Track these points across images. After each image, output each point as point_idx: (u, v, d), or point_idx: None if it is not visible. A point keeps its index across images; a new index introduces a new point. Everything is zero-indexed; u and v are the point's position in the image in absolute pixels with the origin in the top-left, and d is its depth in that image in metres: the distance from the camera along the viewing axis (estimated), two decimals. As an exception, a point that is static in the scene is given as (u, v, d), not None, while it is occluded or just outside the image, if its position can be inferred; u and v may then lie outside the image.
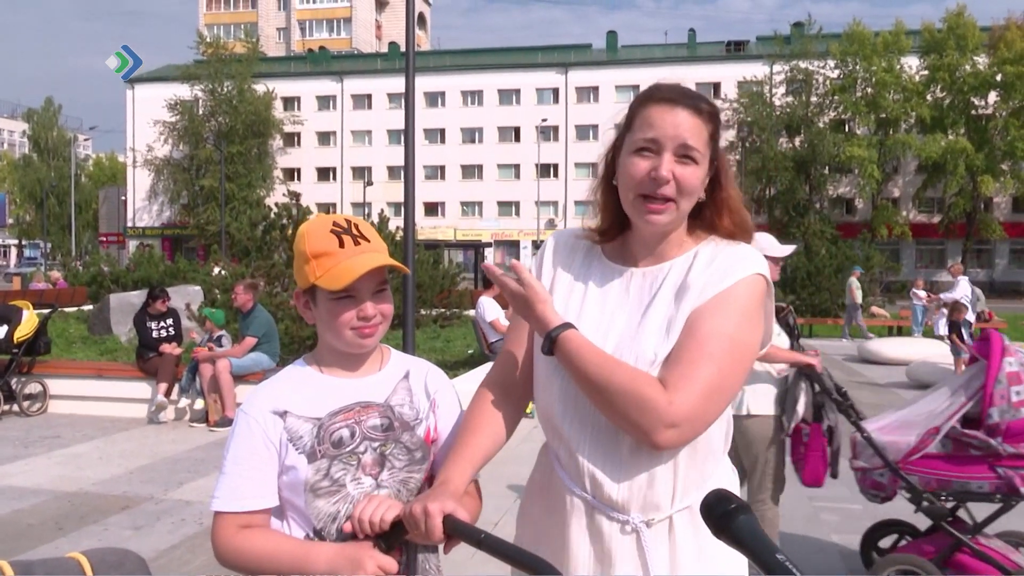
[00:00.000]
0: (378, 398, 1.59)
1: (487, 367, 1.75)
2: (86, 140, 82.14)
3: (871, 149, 43.74)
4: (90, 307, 17.47)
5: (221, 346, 8.55)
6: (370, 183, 52.42)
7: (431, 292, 16.42)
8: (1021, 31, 42.09)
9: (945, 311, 16.51)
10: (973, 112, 44.52)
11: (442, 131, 56.45)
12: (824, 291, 20.55)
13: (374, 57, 64.95)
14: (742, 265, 1.52)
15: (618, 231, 1.64)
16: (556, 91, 55.12)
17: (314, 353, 1.66)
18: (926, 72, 44.66)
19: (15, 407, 8.61)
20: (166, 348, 8.73)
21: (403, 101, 7.87)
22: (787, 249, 4.23)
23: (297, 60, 64.11)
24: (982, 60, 43.46)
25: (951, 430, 3.69)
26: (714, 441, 1.55)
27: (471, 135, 56.67)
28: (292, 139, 57.70)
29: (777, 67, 47.04)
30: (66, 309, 17.70)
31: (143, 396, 8.67)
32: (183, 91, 54.01)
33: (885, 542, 4.32)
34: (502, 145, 56.05)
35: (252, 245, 12.31)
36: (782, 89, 47.22)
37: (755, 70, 48.79)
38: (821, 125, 45.98)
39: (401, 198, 7.97)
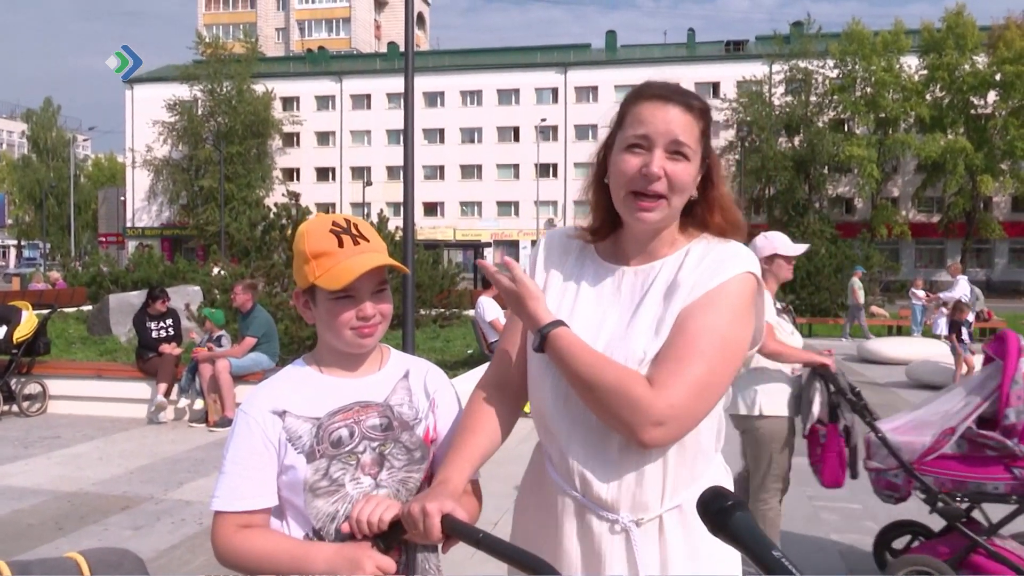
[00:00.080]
0: (377, 398, 1.59)
1: (487, 367, 1.75)
2: (85, 140, 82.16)
3: (870, 149, 43.76)
4: (89, 307, 17.47)
5: (221, 346, 8.55)
6: (369, 183, 52.44)
7: (431, 292, 16.43)
8: (1020, 30, 42.10)
9: (945, 310, 16.53)
10: (972, 111, 44.54)
11: (441, 131, 56.46)
12: (824, 291, 20.54)
13: (373, 57, 64.97)
14: (732, 263, 1.52)
15: (610, 230, 1.65)
16: (555, 91, 55.13)
17: (314, 353, 1.66)
18: (925, 71, 44.68)
19: (15, 407, 8.60)
20: (166, 348, 8.73)
21: (402, 101, 7.88)
22: (800, 248, 4.22)
23: (296, 60, 64.11)
24: (981, 59, 43.47)
25: (967, 431, 3.67)
26: (704, 440, 1.54)
27: (470, 135, 56.67)
28: (291, 139, 57.70)
29: (776, 67, 47.07)
30: (65, 309, 17.71)
31: (143, 396, 8.67)
32: (182, 91, 54.01)
33: (898, 543, 4.30)
34: (501, 145, 56.06)
35: (251, 245, 12.31)
36: (781, 89, 47.25)
37: (754, 70, 48.79)
38: (820, 125, 46.02)
39: (400, 198, 7.98)
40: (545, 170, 53.88)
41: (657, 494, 1.50)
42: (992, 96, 43.85)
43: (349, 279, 1.50)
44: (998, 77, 42.82)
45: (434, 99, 56.12)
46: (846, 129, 46.70)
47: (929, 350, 13.34)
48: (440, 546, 1.52)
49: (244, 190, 52.19)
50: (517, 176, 55.64)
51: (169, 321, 9.00)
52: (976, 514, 3.84)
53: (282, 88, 57.31)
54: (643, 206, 1.51)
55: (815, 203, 47.42)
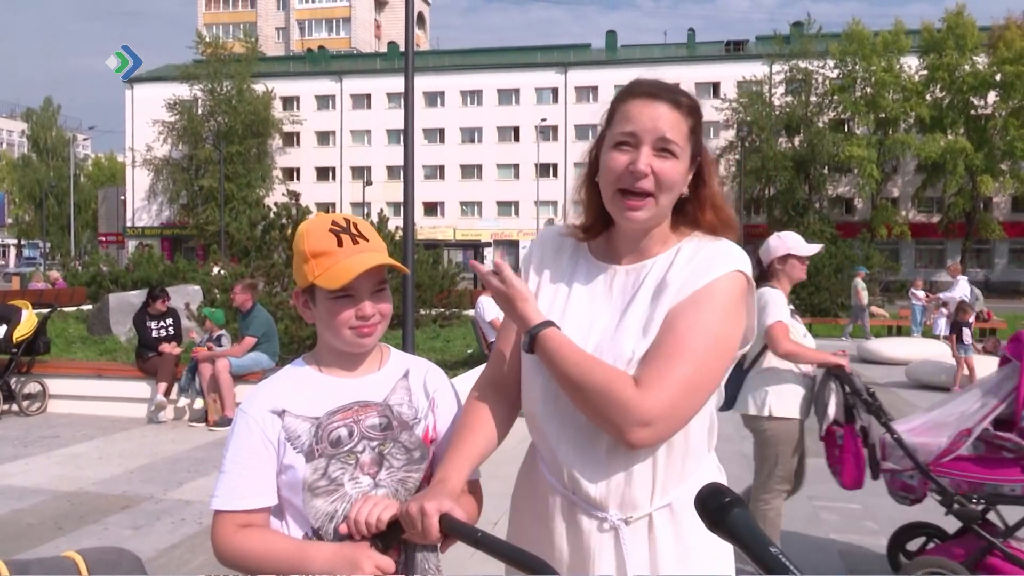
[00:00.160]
0: (377, 397, 1.59)
1: (485, 367, 1.76)
2: (85, 140, 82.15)
3: (870, 149, 43.75)
4: (89, 307, 17.47)
5: (221, 346, 8.55)
6: (369, 183, 52.43)
7: (431, 292, 16.43)
8: (1020, 31, 42.10)
9: (944, 311, 16.54)
10: (972, 112, 44.53)
11: (441, 131, 56.46)
12: (824, 291, 20.54)
13: (373, 57, 64.96)
14: (722, 262, 1.52)
15: (602, 228, 1.64)
16: (555, 91, 55.13)
17: (313, 352, 1.66)
18: (925, 72, 44.68)
19: (14, 407, 8.61)
20: (166, 348, 8.73)
21: (402, 101, 7.88)
22: (814, 248, 4.22)
23: (296, 60, 64.10)
24: (981, 60, 43.46)
25: (983, 432, 3.65)
26: (694, 439, 1.54)
27: (470, 135, 56.67)
28: (291, 139, 57.70)
29: (776, 67, 47.06)
30: (65, 309, 17.70)
31: (142, 396, 8.67)
32: (182, 91, 54.01)
33: (912, 545, 4.28)
34: (501, 145, 56.06)
35: (251, 245, 12.30)
36: (781, 89, 47.24)
37: (754, 70, 48.78)
38: (820, 125, 46.01)
39: (400, 198, 7.98)
40: (545, 170, 53.88)
41: (646, 493, 1.50)
42: (992, 96, 43.85)
43: (348, 278, 1.50)
44: (998, 77, 42.81)
45: (434, 99, 56.12)
46: (846, 129, 46.70)
47: (929, 350, 13.34)
48: (439, 546, 1.52)
49: (244, 190, 52.19)
50: (517, 176, 55.65)
51: (169, 321, 9.00)
52: (992, 516, 3.81)
53: (282, 88, 57.31)
54: (631, 205, 1.51)
55: (815, 203, 47.42)
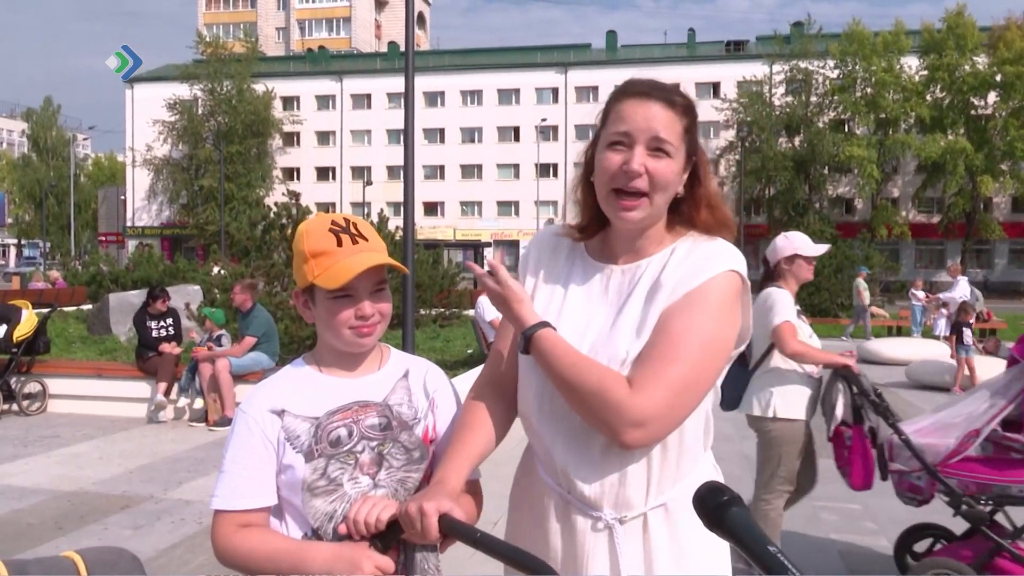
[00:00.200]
0: (376, 397, 1.59)
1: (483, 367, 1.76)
2: (85, 140, 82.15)
3: (870, 149, 43.74)
4: (89, 307, 17.47)
5: (221, 345, 8.55)
6: (369, 183, 52.43)
7: (431, 292, 16.42)
8: (1021, 31, 42.09)
9: (944, 311, 16.54)
10: (972, 112, 44.52)
11: (441, 131, 56.45)
12: (824, 291, 20.53)
13: (373, 57, 64.95)
14: (716, 262, 1.52)
15: (598, 227, 1.64)
16: (555, 91, 55.12)
17: (313, 352, 1.66)
18: (925, 72, 44.66)
19: (14, 406, 8.61)
20: (166, 348, 8.73)
21: (402, 101, 7.88)
22: (821, 248, 4.22)
23: (296, 60, 64.10)
24: (982, 60, 43.46)
25: (992, 433, 3.64)
26: (689, 439, 1.54)
27: (470, 135, 56.66)
28: (291, 139, 57.70)
29: (777, 67, 47.06)
30: (65, 309, 17.70)
31: (142, 395, 8.67)
32: (182, 91, 54.00)
33: (919, 546, 4.27)
34: (501, 145, 56.06)
35: (251, 245, 12.30)
36: (782, 89, 47.24)
37: (755, 70, 48.78)
38: (821, 125, 46.01)
39: (401, 198, 7.98)
40: (545, 170, 53.88)
41: (641, 493, 1.50)
42: (992, 97, 43.84)
43: (347, 278, 1.50)
44: (998, 78, 42.80)
45: (434, 99, 56.11)
46: (846, 129, 46.69)
47: (929, 351, 13.35)
48: (438, 546, 1.52)
49: (244, 189, 52.19)
50: (517, 176, 55.64)
51: (169, 320, 9.00)
52: (1000, 517, 3.79)
53: (282, 87, 57.31)
54: (625, 205, 1.51)
55: (815, 203, 47.42)
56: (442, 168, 56.45)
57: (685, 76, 50.65)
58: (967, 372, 11.07)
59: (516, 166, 55.67)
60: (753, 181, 45.68)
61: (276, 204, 12.40)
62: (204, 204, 53.32)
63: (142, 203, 59.28)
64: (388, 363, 1.66)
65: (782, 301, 4.01)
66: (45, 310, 9.63)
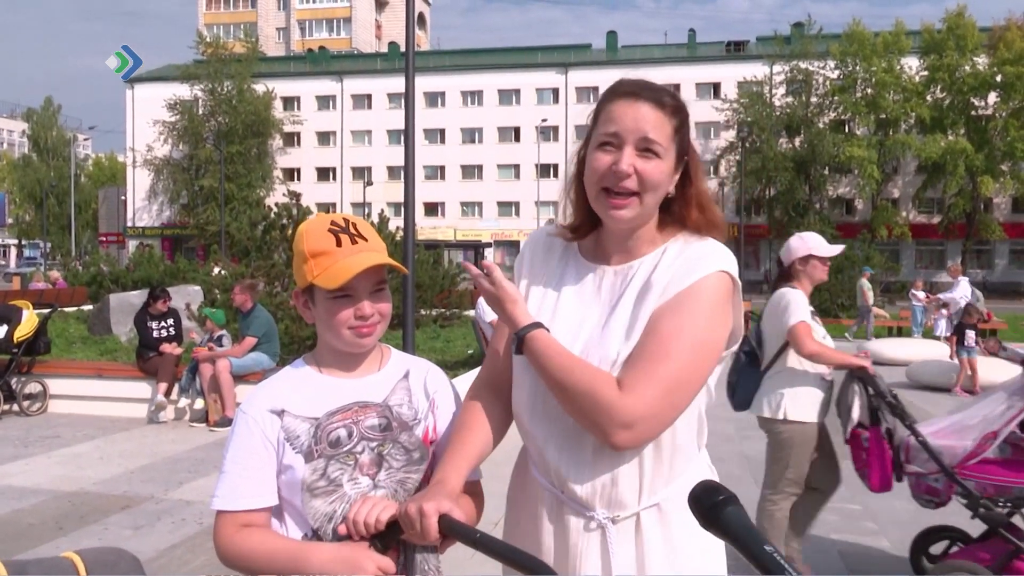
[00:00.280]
0: (376, 398, 1.59)
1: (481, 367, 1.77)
2: (86, 140, 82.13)
3: (871, 149, 43.73)
4: (90, 307, 17.47)
5: (221, 346, 8.55)
6: (370, 183, 52.44)
7: (431, 292, 16.42)
8: (1021, 31, 42.08)
9: (945, 312, 16.53)
10: (973, 112, 44.52)
11: (442, 131, 56.45)
12: (824, 291, 20.52)
13: (374, 57, 64.96)
14: (706, 262, 1.52)
15: (590, 228, 1.65)
16: (556, 91, 55.12)
17: (313, 353, 1.66)
18: (926, 72, 44.66)
19: (15, 407, 8.61)
20: (166, 348, 8.73)
21: (403, 101, 7.87)
22: (836, 248, 4.20)
23: (297, 60, 64.10)
24: (982, 60, 43.45)
25: (1010, 435, 3.61)
26: (681, 439, 1.54)
27: (471, 135, 56.67)
28: (292, 139, 57.70)
29: (777, 67, 47.07)
30: (66, 309, 17.69)
31: (143, 396, 8.67)
32: (183, 91, 54.02)
33: (935, 548, 4.24)
34: (502, 145, 56.06)
35: (252, 245, 12.30)
36: (782, 89, 47.25)
37: (755, 70, 48.79)
38: (821, 125, 46.02)
39: (401, 198, 7.97)
40: (546, 170, 53.88)
41: (634, 492, 1.51)
42: (992, 97, 43.83)
43: (346, 278, 1.50)
44: (999, 78, 42.79)
45: (435, 99, 56.12)
46: (847, 130, 46.69)
47: (929, 351, 13.34)
48: (438, 546, 1.52)
49: (245, 190, 52.20)
50: (518, 176, 55.64)
51: (170, 321, 9.00)
52: (1018, 520, 3.76)
53: (283, 88, 57.31)
54: (615, 203, 1.51)
55: (815, 204, 47.42)
56: (443, 168, 56.46)
57: (685, 76, 50.69)
58: (968, 373, 11.07)
59: (516, 166, 55.68)
60: (753, 182, 45.68)
61: (276, 204, 12.40)
62: (204, 204, 53.34)
63: (142, 203, 59.29)
64: (388, 364, 1.66)
65: (797, 301, 3.99)
66: (46, 310, 9.63)
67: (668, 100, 1.53)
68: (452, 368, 9.74)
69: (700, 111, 49.26)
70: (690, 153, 1.58)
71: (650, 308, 1.50)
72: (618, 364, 1.48)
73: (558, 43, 61.99)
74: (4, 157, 78.35)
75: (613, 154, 1.50)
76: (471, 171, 56.61)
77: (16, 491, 5.83)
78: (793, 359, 4.01)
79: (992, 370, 11.12)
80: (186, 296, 13.20)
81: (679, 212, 1.60)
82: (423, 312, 15.91)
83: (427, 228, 51.65)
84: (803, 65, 46.08)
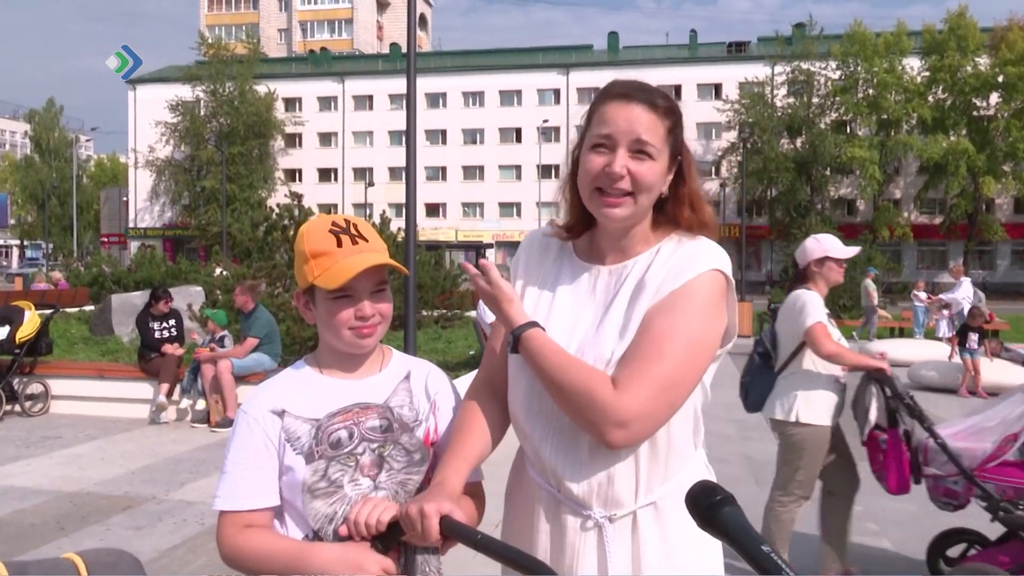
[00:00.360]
0: (378, 399, 1.59)
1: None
2: (88, 141, 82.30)
3: (872, 150, 43.73)
4: (92, 308, 17.49)
5: (223, 347, 8.56)
6: (371, 184, 52.47)
7: (432, 293, 16.43)
8: (1022, 32, 42.05)
9: (946, 312, 16.52)
10: (974, 113, 44.51)
11: (443, 132, 56.48)
12: (825, 291, 20.46)
13: (375, 58, 65.00)
14: (700, 261, 1.52)
15: (584, 227, 1.66)
16: (557, 92, 55.14)
17: (314, 354, 1.66)
18: (927, 73, 44.66)
19: (17, 407, 8.62)
20: (168, 349, 8.74)
21: (404, 102, 7.88)
22: (852, 250, 4.17)
23: (298, 61, 64.16)
24: (983, 61, 43.44)
25: None
26: (677, 437, 1.54)
27: (472, 136, 56.69)
28: (293, 140, 57.75)
29: (778, 68, 47.08)
30: (68, 310, 17.72)
31: (145, 397, 8.68)
32: (184, 92, 54.09)
33: (953, 551, 4.21)
34: (503, 146, 56.08)
35: (254, 246, 12.32)
36: (783, 90, 47.26)
37: (756, 71, 48.80)
38: (822, 126, 46.02)
39: (402, 199, 7.97)
40: (547, 171, 53.88)
41: (630, 491, 1.51)
42: (994, 98, 43.82)
43: (346, 278, 1.50)
44: (1000, 79, 42.79)
45: (436, 100, 56.15)
46: (848, 130, 46.67)
47: (931, 352, 13.34)
48: (439, 547, 1.52)
49: (246, 191, 52.24)
50: (519, 177, 55.66)
51: (172, 321, 9.01)
52: None
53: (284, 89, 57.36)
54: (608, 202, 1.52)
55: (817, 204, 47.40)
56: (444, 169, 56.48)
57: (687, 77, 50.69)
58: (972, 373, 11.07)
59: (518, 167, 55.69)
60: (755, 182, 45.66)
61: (278, 205, 12.42)
62: (206, 205, 53.39)
63: (144, 204, 59.36)
64: (389, 365, 1.66)
65: (813, 302, 3.96)
66: (47, 311, 9.64)
67: (661, 101, 1.53)
68: (453, 369, 9.74)
69: (701, 112, 49.27)
70: (683, 153, 1.59)
71: (644, 307, 1.51)
72: (613, 363, 1.48)
73: (559, 44, 62.08)
74: (6, 158, 78.44)
75: (606, 155, 1.51)
76: (472, 172, 56.63)
77: (18, 491, 5.83)
78: (808, 361, 3.98)
79: (993, 372, 11.12)
80: (188, 297, 13.21)
81: (672, 211, 1.60)
82: (424, 313, 15.92)
83: (428, 229, 51.66)
84: (804, 66, 46.08)
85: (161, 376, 8.46)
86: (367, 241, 1.56)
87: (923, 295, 18.79)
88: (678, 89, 50.02)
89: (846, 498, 4.20)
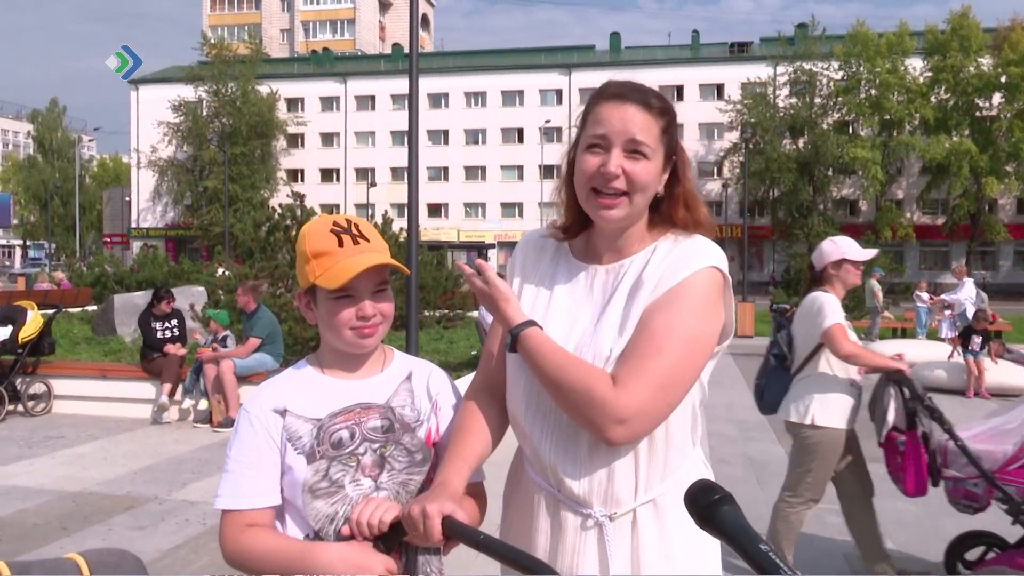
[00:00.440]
0: (379, 399, 1.59)
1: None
2: (90, 141, 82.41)
3: (875, 150, 43.68)
4: (94, 308, 17.49)
5: (225, 347, 8.56)
6: (373, 184, 52.49)
7: (434, 293, 16.42)
8: (1025, 32, 41.99)
9: (949, 312, 16.49)
10: (977, 113, 44.44)
11: (445, 132, 56.50)
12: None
13: (377, 58, 65.04)
14: (696, 258, 1.53)
15: (580, 228, 1.66)
16: (559, 92, 55.13)
17: (316, 354, 1.66)
18: (930, 73, 44.60)
19: (19, 407, 8.62)
20: (170, 349, 8.74)
21: (407, 102, 7.88)
22: (869, 253, 4.15)
23: (301, 61, 64.21)
24: (986, 61, 43.37)
25: None
26: (675, 435, 1.55)
27: (474, 136, 56.71)
28: (296, 140, 57.79)
29: (781, 68, 47.04)
30: (70, 310, 17.73)
31: (147, 397, 8.68)
32: (187, 92, 54.14)
33: (971, 555, 4.18)
34: (505, 146, 56.08)
35: (256, 246, 12.31)
36: (786, 90, 47.21)
37: (759, 71, 48.74)
38: (825, 126, 45.96)
39: (405, 199, 7.97)
40: (549, 171, 53.84)
41: (630, 489, 1.51)
42: (997, 98, 43.76)
43: (347, 278, 1.50)
44: (1003, 79, 42.71)
45: (438, 100, 56.17)
46: (850, 131, 46.62)
47: (933, 352, 13.31)
48: (441, 548, 1.52)
49: (248, 191, 52.28)
50: (521, 177, 55.66)
51: (174, 321, 9.02)
52: None
53: (286, 89, 57.40)
54: (604, 203, 1.52)
55: (819, 205, 47.35)
56: (446, 170, 56.50)
57: (689, 78, 50.67)
58: (975, 374, 11.07)
59: (520, 168, 55.69)
60: (757, 183, 45.61)
61: (280, 205, 12.42)
62: (208, 205, 53.44)
63: (147, 204, 59.42)
64: (391, 365, 1.66)
65: (830, 304, 3.94)
66: (50, 311, 9.65)
67: (655, 101, 1.54)
68: (455, 369, 9.74)
69: (703, 112, 49.26)
70: (678, 153, 1.60)
71: (642, 304, 1.51)
72: (611, 361, 1.49)
73: (561, 44, 62.04)
74: (9, 158, 78.58)
75: (601, 156, 1.52)
76: (474, 172, 56.64)
77: (20, 491, 5.84)
78: (824, 363, 3.96)
79: (995, 373, 11.10)
80: (190, 297, 13.21)
81: (668, 211, 1.61)
82: (426, 313, 15.90)
83: (431, 229, 51.68)
84: (807, 66, 46.04)
85: (163, 376, 8.47)
86: (368, 241, 1.57)
87: (925, 296, 18.76)
88: (680, 89, 50.03)
89: (866, 502, 4.16)
